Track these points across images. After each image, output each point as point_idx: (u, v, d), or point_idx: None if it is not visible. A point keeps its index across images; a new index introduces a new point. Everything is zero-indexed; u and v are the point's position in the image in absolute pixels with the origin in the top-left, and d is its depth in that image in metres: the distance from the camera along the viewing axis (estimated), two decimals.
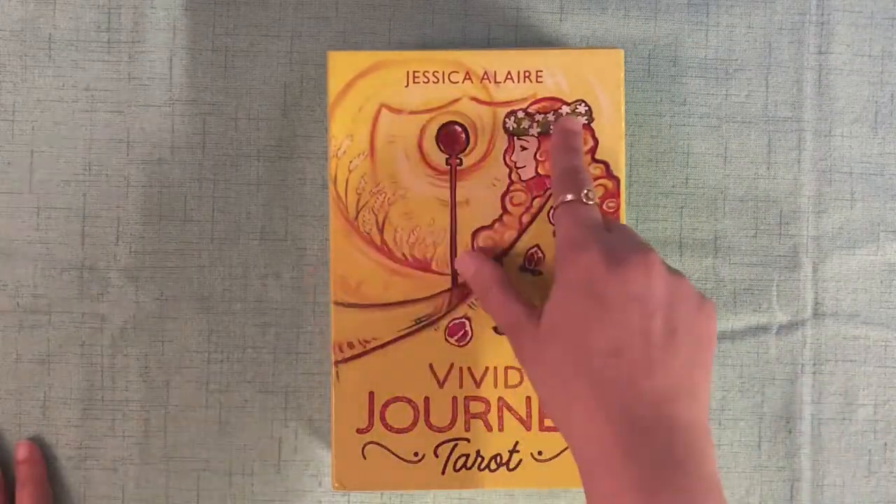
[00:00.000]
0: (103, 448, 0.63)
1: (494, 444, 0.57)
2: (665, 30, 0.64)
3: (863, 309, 0.64)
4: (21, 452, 0.61)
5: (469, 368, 0.57)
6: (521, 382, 0.57)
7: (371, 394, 0.57)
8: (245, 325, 0.63)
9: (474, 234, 0.57)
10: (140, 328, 0.63)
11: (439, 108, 0.57)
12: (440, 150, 0.57)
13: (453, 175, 0.57)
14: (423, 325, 0.57)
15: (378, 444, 0.57)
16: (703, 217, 0.63)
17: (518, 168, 0.57)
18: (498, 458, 0.57)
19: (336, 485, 0.57)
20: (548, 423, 0.57)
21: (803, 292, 0.64)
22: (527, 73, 0.57)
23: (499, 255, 0.57)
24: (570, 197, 0.52)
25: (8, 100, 0.63)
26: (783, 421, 0.63)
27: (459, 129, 0.57)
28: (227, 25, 0.63)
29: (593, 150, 0.57)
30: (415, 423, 0.57)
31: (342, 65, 0.57)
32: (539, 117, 0.57)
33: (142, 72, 0.63)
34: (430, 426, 0.57)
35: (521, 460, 0.57)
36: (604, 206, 0.57)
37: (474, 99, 0.57)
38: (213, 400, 0.63)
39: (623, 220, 0.57)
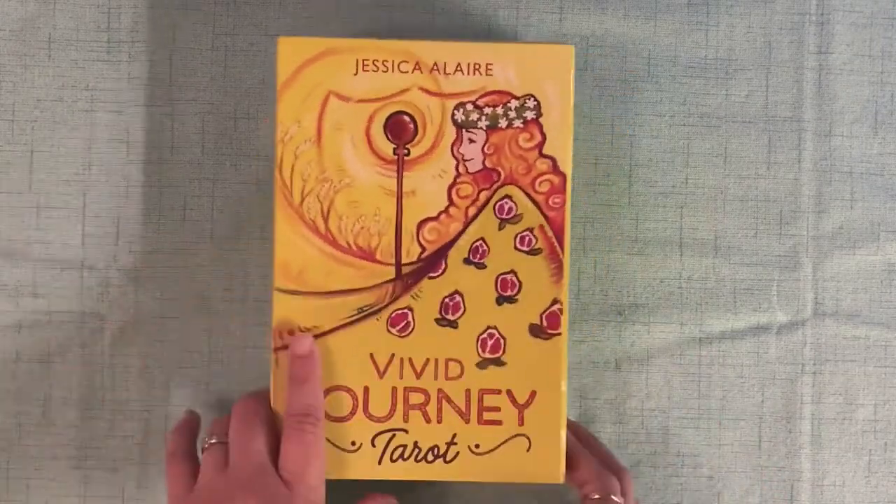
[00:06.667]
0: (103, 448, 0.63)
1: (432, 435, 0.57)
2: (665, 30, 0.63)
3: (863, 309, 0.64)
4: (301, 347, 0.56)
5: (410, 359, 0.57)
6: (461, 375, 0.57)
7: None
8: (245, 325, 0.63)
9: (419, 225, 0.57)
10: (140, 328, 0.63)
11: (388, 97, 0.57)
12: (388, 139, 0.57)
13: (400, 165, 0.57)
14: (365, 314, 0.57)
15: None
16: (703, 217, 0.63)
17: (465, 160, 0.57)
18: (435, 450, 0.57)
19: None
20: (487, 416, 0.57)
21: (803, 292, 0.64)
22: (477, 66, 0.57)
23: (443, 248, 0.57)
24: None
25: (8, 100, 0.63)
26: (783, 421, 0.63)
27: (408, 119, 0.57)
28: (226, 25, 0.63)
29: (541, 146, 0.57)
30: (353, 412, 0.57)
31: (291, 50, 0.56)
32: (488, 110, 0.57)
33: (142, 72, 0.63)
34: (368, 416, 0.57)
35: (458, 452, 0.57)
36: (549, 202, 0.57)
37: (423, 89, 0.57)
38: (213, 398, 0.63)
39: (568, 216, 0.56)
